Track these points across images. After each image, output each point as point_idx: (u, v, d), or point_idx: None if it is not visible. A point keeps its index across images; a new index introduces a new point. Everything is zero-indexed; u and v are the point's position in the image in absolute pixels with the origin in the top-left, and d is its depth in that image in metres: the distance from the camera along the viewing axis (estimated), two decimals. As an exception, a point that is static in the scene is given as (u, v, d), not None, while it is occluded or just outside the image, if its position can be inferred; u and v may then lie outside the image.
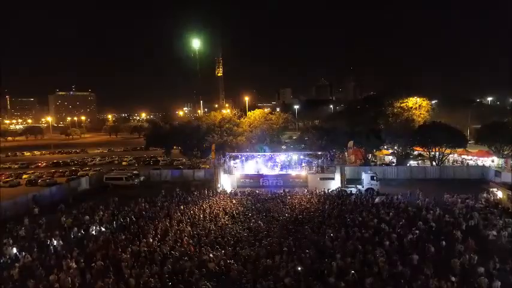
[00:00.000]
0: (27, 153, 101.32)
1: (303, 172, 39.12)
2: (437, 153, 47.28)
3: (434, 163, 47.38)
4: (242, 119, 57.80)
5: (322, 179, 37.73)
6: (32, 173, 62.75)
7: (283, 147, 57.51)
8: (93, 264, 17.56)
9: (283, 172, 39.64)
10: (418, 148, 50.50)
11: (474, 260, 16.64)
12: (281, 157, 42.90)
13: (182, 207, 28.66)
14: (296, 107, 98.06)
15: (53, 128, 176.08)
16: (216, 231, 22.30)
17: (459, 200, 28.52)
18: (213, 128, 52.67)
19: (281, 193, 33.60)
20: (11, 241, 21.62)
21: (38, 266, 17.64)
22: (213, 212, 26.89)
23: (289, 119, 65.00)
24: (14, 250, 20.34)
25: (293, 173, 39.27)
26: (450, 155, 48.93)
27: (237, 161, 42.22)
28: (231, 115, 58.90)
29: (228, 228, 22.85)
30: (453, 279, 14.32)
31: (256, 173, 40.01)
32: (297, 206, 28.34)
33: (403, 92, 61.38)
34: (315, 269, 16.25)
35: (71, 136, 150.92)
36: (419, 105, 60.35)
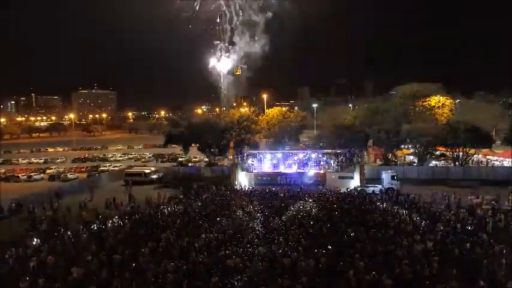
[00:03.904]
0: (50, 149, 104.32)
1: (321, 171, 38.65)
2: (460, 153, 45.86)
3: (457, 163, 45.97)
4: (260, 117, 57.71)
5: (341, 177, 37.23)
6: (55, 168, 64.46)
7: (301, 145, 57.09)
8: (113, 256, 17.69)
9: (301, 170, 39.27)
10: (441, 148, 49.15)
11: (503, 265, 15.89)
12: (299, 155, 42.56)
13: (199, 204, 28.72)
14: (314, 105, 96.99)
15: (76, 125, 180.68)
16: (232, 228, 22.17)
17: (484, 202, 27.49)
18: (231, 125, 52.75)
19: (299, 191, 33.26)
20: (34, 234, 22.11)
21: (59, 258, 17.93)
22: (230, 209, 26.81)
23: (307, 117, 64.50)
24: (36, 241, 20.79)
25: (311, 171, 38.85)
26: (474, 156, 47.38)
27: (255, 158, 42.12)
28: (249, 113, 58.89)
29: (244, 225, 22.70)
30: (482, 283, 13.68)
31: (273, 171, 39.81)
32: (315, 205, 27.95)
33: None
34: (334, 268, 15.86)
35: (92, 133, 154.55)
36: (442, 104, 58.71)
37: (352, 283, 14.45)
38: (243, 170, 40.31)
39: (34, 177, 54.72)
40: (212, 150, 54.77)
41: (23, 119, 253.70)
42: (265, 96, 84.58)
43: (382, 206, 27.21)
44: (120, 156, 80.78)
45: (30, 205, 31.74)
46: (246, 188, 36.70)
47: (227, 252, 17.91)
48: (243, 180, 39.57)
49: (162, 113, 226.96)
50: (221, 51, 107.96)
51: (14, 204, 31.48)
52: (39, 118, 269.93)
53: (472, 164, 47.10)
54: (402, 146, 53.00)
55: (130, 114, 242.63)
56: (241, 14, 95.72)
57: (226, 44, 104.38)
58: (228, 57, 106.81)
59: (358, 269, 15.55)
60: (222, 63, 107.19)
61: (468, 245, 18.24)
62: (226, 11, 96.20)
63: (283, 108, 66.84)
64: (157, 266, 16.71)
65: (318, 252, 17.59)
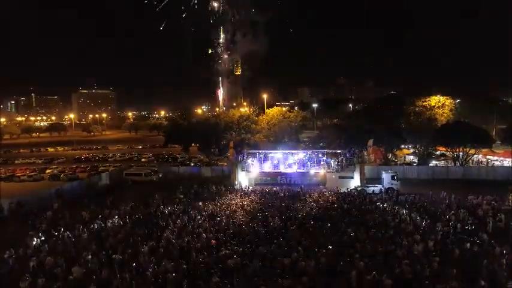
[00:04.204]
0: (50, 149, 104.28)
1: (321, 170, 38.61)
2: (461, 153, 45.85)
3: (457, 163, 45.96)
4: (260, 117, 57.71)
5: (341, 177, 37.19)
6: (55, 167, 64.39)
7: (302, 145, 57.06)
8: (113, 256, 17.67)
9: (302, 170, 39.24)
10: (441, 148, 49.15)
11: (503, 265, 15.86)
12: (299, 155, 42.47)
13: (199, 203, 28.70)
14: (314, 105, 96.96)
15: (75, 125, 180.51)
16: (233, 227, 22.16)
17: (484, 202, 27.44)
18: (231, 125, 52.73)
19: (299, 191, 33.24)
20: (34, 234, 22.06)
21: (59, 258, 17.92)
22: (230, 209, 26.80)
23: (307, 117, 64.50)
24: (37, 241, 20.76)
25: (311, 171, 38.82)
26: (474, 156, 47.37)
27: (255, 158, 42.08)
28: (249, 113, 58.89)
29: (245, 225, 22.68)
30: (482, 283, 13.66)
31: (274, 171, 39.77)
32: (315, 204, 27.95)
33: (425, 91, 60.21)
34: (334, 268, 15.85)
35: (92, 133, 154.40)
36: (442, 104, 58.84)
37: (352, 283, 14.46)
38: (243, 169, 40.29)
39: (34, 177, 54.69)
40: (212, 150, 54.77)
41: (23, 119, 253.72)
42: (265, 96, 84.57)
43: (382, 206, 27.20)
44: (120, 156, 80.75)
45: (30, 205, 31.76)
46: (246, 188, 36.68)
47: (227, 252, 17.91)
48: (243, 180, 39.54)
49: (162, 113, 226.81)
50: (221, 50, 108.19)
51: (14, 204, 31.43)
52: (39, 118, 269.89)
53: (472, 164, 47.09)
54: (402, 146, 53.02)
55: (130, 114, 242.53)
56: (243, 13, 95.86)
57: (228, 43, 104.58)
58: (229, 56, 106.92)
59: (359, 269, 15.57)
60: (223, 63, 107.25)
61: (468, 245, 18.22)
62: (228, 10, 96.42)
63: (283, 108, 66.88)
64: (157, 265, 16.72)
65: (318, 252, 17.60)
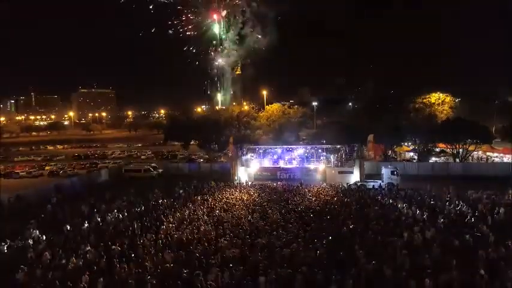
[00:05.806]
0: (50, 147, 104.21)
1: (321, 166, 38.54)
2: (460, 149, 45.75)
3: (457, 160, 45.88)
4: (260, 113, 57.62)
5: (340, 172, 37.09)
6: (54, 164, 64.30)
7: (301, 142, 56.99)
8: (113, 248, 17.60)
9: (301, 165, 39.19)
10: (441, 145, 49.04)
11: (503, 255, 15.79)
12: (299, 150, 42.40)
13: (199, 198, 28.60)
14: (314, 103, 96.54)
15: (75, 124, 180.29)
16: (232, 220, 22.07)
17: (484, 196, 27.34)
18: (231, 121, 52.66)
19: (298, 186, 33.17)
20: (33, 226, 22.01)
21: (58, 250, 17.85)
22: (229, 203, 26.70)
23: (307, 114, 64.37)
24: (37, 232, 20.70)
25: (311, 166, 38.75)
26: (474, 152, 47.26)
27: (255, 154, 41.99)
28: (249, 109, 58.83)
29: (244, 218, 22.59)
30: (482, 272, 13.59)
31: (273, 166, 39.72)
32: (314, 199, 27.87)
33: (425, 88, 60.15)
34: (333, 258, 15.78)
35: (92, 132, 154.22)
36: (442, 101, 58.73)
37: (352, 272, 14.37)
38: (242, 165, 40.22)
39: (33, 173, 54.62)
40: (212, 146, 54.64)
41: (23, 118, 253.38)
42: (265, 92, 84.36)
43: (383, 200, 27.12)
44: (120, 154, 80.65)
45: (29, 199, 31.73)
46: (246, 183, 36.58)
47: (226, 243, 17.83)
48: (242, 175, 39.45)
49: (162, 112, 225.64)
50: (221, 47, 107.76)
51: (13, 199, 31.37)
52: (38, 117, 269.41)
53: (472, 160, 46.98)
54: (402, 143, 52.87)
55: (130, 113, 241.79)
56: (254, 6, 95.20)
57: (235, 38, 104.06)
58: (235, 52, 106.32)
59: (358, 259, 15.51)
60: (225, 60, 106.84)
61: (468, 236, 18.15)
62: (238, 5, 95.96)
63: (284, 106, 66.64)
64: (156, 257, 16.65)
65: (317, 242, 17.52)
